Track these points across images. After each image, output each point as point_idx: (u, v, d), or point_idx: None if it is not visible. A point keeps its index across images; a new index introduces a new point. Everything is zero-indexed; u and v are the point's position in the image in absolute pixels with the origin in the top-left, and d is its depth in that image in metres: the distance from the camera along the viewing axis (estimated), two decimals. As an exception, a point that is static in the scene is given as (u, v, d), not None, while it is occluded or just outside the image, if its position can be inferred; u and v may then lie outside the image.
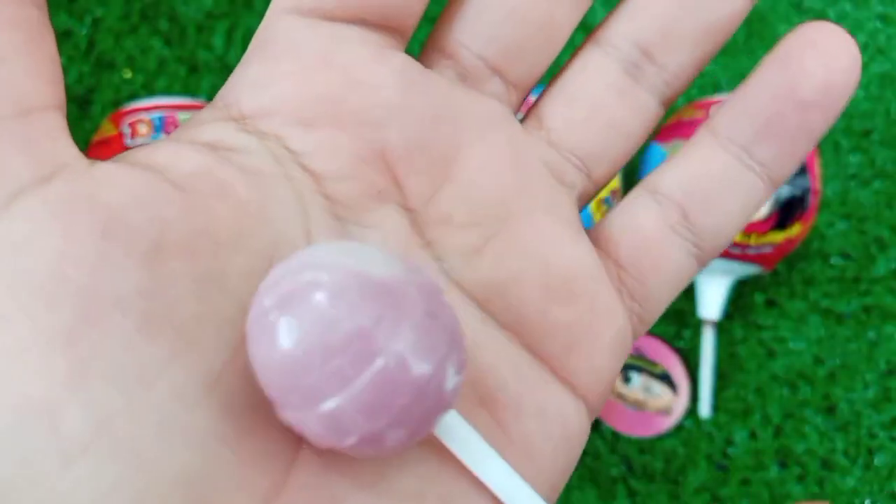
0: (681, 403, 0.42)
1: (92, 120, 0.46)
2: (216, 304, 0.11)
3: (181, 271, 0.11)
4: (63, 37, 0.47)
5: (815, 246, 0.47)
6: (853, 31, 0.51)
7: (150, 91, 0.47)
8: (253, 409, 0.11)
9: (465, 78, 0.14)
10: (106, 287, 0.10)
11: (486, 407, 0.13)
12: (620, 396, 0.42)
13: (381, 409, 0.10)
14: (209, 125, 0.13)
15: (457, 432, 0.12)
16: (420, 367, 0.10)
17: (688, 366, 0.44)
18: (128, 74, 0.47)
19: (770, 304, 0.45)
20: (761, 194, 0.14)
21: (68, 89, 0.46)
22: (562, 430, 0.13)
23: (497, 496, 0.12)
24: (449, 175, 0.13)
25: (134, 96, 0.46)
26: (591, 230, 0.15)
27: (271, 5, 0.13)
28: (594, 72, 0.14)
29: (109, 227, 0.10)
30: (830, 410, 0.44)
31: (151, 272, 0.10)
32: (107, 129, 0.38)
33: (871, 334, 0.45)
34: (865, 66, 0.51)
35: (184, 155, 0.12)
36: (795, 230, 0.39)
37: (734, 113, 0.14)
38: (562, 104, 0.14)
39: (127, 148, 0.36)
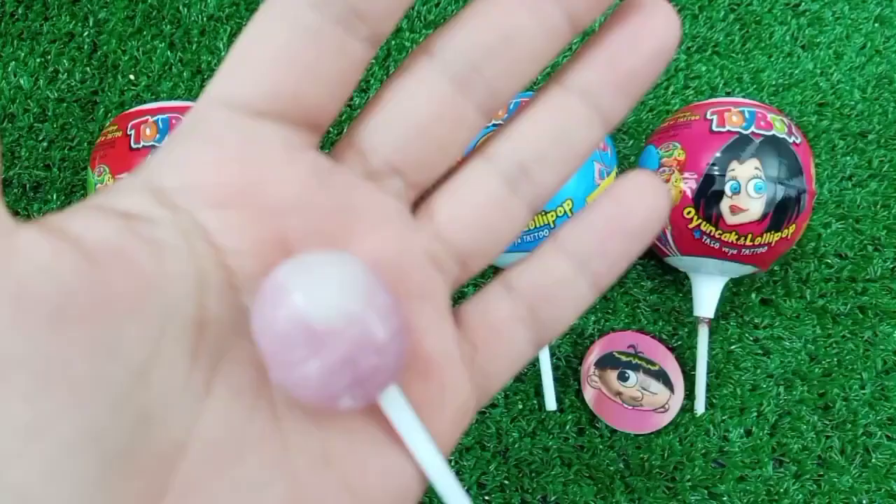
0: (677, 401, 0.43)
1: (96, 122, 0.46)
2: (107, 368, 0.12)
3: (79, 337, 0.12)
4: (66, 38, 0.48)
5: (810, 246, 0.47)
6: (850, 33, 0.52)
7: (153, 94, 0.47)
8: (132, 458, 0.12)
9: (370, 175, 0.16)
10: (10, 348, 0.11)
11: (333, 466, 0.15)
12: (618, 394, 0.43)
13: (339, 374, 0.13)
14: (129, 193, 0.14)
15: (396, 404, 0.15)
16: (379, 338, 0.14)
17: (683, 364, 0.44)
18: (133, 77, 0.47)
19: (765, 303, 0.46)
20: (589, 299, 0.18)
21: (72, 91, 0.47)
22: (400, 490, 0.16)
23: (419, 462, 0.15)
24: None
25: (138, 99, 0.47)
26: (456, 312, 0.17)
27: (204, 94, 0.15)
28: (481, 182, 0.17)
29: (19, 294, 0.12)
30: (826, 409, 0.44)
31: (52, 336, 0.12)
32: (112, 132, 0.38)
33: (868, 333, 0.45)
34: (862, 67, 0.51)
35: (96, 225, 0.13)
36: (790, 231, 0.40)
37: (577, 231, 0.17)
38: (451, 205, 0.17)
39: (132, 150, 0.37)
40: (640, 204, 0.17)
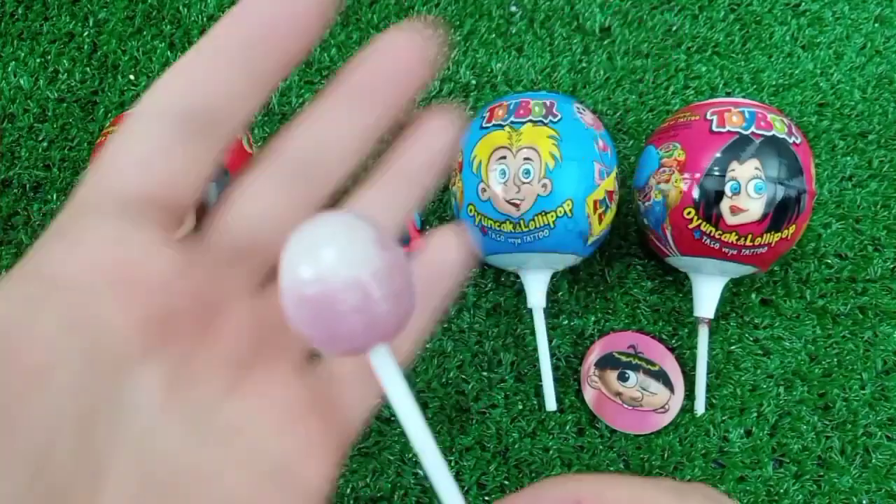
0: (677, 401, 0.43)
1: (96, 122, 0.46)
2: (17, 445, 0.14)
3: None
4: (66, 38, 0.48)
5: (810, 246, 0.47)
6: (850, 33, 0.52)
7: (153, 93, 0.47)
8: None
9: (226, 255, 0.18)
10: None
11: (244, 436, 0.17)
12: (618, 394, 0.43)
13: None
14: (17, 282, 0.16)
15: (384, 360, 0.16)
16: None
17: (683, 364, 0.44)
18: (133, 77, 0.47)
19: (765, 303, 0.46)
20: None
21: (72, 91, 0.47)
22: (318, 459, 0.17)
23: (401, 419, 0.16)
24: (203, 340, 0.17)
25: (138, 99, 0.47)
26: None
27: (87, 180, 0.17)
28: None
29: None
30: (826, 409, 0.44)
31: None
32: (112, 132, 0.38)
33: (868, 334, 0.45)
34: (862, 68, 0.51)
35: None
36: (790, 231, 0.40)
37: None
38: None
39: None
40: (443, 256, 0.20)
